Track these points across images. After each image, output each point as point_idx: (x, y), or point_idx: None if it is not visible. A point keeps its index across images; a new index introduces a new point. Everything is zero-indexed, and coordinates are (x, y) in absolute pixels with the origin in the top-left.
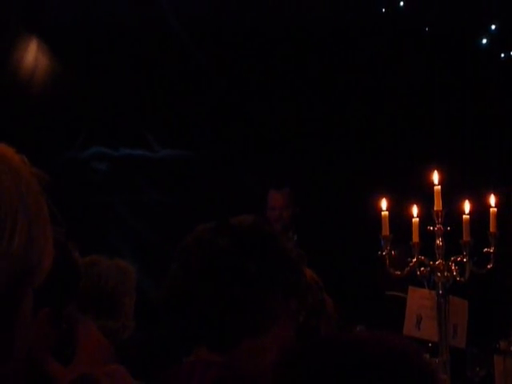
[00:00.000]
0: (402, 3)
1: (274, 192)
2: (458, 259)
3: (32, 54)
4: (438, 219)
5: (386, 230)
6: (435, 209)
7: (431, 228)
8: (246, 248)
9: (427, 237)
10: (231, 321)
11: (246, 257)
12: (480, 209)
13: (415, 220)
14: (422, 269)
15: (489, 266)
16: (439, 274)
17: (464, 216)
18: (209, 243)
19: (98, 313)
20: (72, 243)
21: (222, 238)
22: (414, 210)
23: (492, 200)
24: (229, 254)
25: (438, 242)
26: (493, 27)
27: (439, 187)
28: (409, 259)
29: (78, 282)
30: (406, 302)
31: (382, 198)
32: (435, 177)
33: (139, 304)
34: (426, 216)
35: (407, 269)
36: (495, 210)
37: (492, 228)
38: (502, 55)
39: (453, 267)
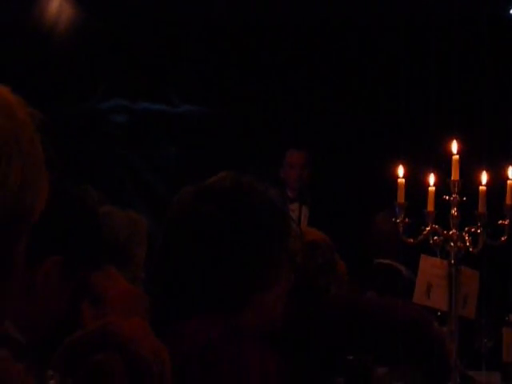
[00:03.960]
0: None
1: (294, 151)
2: (472, 230)
3: (56, 2)
4: (454, 189)
5: (401, 198)
6: (452, 178)
7: (447, 197)
8: (232, 210)
9: (442, 206)
10: (238, 280)
11: (234, 218)
12: (497, 180)
13: (431, 189)
14: (436, 238)
15: (503, 239)
16: (452, 243)
17: (480, 187)
18: (194, 212)
19: (109, 262)
20: (94, 192)
21: (206, 204)
22: (431, 179)
23: (510, 172)
24: (217, 219)
25: (453, 211)
26: None
27: (457, 157)
28: (422, 227)
29: (94, 230)
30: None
31: (399, 164)
32: (454, 146)
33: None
34: (443, 185)
35: (420, 237)
36: None
37: (508, 200)
38: None
39: (466, 238)
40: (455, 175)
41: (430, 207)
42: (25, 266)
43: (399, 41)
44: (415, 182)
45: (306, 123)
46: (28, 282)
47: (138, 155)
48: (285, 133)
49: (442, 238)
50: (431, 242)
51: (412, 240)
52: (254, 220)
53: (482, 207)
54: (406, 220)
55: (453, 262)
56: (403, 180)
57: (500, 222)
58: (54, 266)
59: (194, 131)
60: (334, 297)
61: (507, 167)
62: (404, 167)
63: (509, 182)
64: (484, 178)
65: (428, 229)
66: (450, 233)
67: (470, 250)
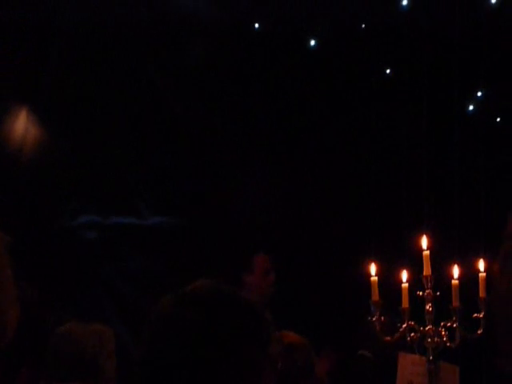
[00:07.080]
0: (388, 71)
1: (265, 255)
2: (448, 324)
3: (22, 124)
4: (427, 284)
5: (375, 296)
6: (424, 274)
7: (420, 293)
8: (213, 316)
9: (417, 302)
10: None
11: (215, 324)
12: (469, 274)
13: (404, 285)
14: (412, 334)
15: (479, 332)
16: (429, 339)
17: (453, 281)
18: (175, 319)
19: (80, 379)
20: (56, 302)
21: (187, 311)
22: (404, 276)
23: (481, 265)
24: (198, 325)
25: (428, 307)
26: (479, 94)
27: (428, 252)
28: (398, 324)
29: (44, 340)
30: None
31: (371, 263)
32: (424, 242)
33: (126, 368)
34: (415, 281)
35: (397, 334)
36: (484, 274)
37: (481, 293)
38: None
39: (443, 332)
40: (427, 270)
41: (405, 304)
42: None
43: (373, 142)
44: (388, 279)
45: (274, 227)
46: None
47: (110, 268)
48: (254, 241)
49: (418, 334)
50: (408, 338)
51: (389, 337)
52: (235, 326)
53: (455, 301)
54: (382, 318)
55: (431, 358)
56: (376, 278)
57: (475, 315)
58: (25, 379)
59: (163, 242)
60: None
61: (478, 260)
62: (376, 265)
63: (481, 274)
64: (456, 271)
65: (404, 325)
66: (427, 328)
67: (448, 344)
